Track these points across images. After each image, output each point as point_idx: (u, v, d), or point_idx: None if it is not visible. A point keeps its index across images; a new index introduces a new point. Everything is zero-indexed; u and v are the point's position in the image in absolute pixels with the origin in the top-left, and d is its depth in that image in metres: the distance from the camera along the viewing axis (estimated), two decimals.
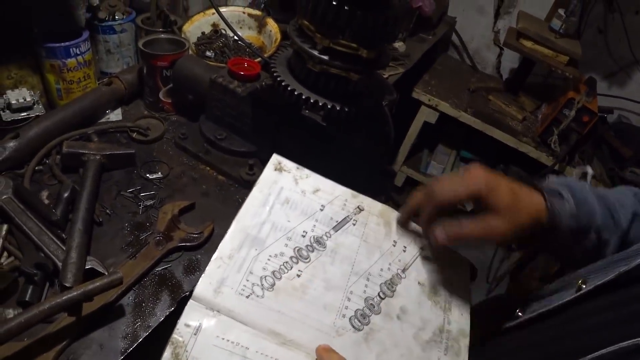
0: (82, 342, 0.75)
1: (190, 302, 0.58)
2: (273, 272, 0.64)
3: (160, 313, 0.82)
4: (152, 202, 1.01)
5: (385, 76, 1.78)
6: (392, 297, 0.68)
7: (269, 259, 0.65)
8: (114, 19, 1.26)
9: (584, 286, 0.65)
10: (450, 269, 0.76)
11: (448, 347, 0.67)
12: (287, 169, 0.75)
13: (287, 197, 0.72)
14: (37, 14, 1.13)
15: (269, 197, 0.71)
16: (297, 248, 0.67)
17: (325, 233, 0.70)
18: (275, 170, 0.74)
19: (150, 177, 1.07)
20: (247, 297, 0.60)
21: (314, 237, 0.69)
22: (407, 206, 0.74)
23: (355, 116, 0.93)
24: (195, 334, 0.56)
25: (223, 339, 0.56)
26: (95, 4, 1.23)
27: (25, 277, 0.79)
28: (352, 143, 1.01)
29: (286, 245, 0.67)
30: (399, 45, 1.98)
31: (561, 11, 2.02)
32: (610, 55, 2.32)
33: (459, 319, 0.71)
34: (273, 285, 0.63)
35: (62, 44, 1.09)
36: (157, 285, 0.87)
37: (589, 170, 0.68)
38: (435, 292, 0.72)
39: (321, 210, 0.72)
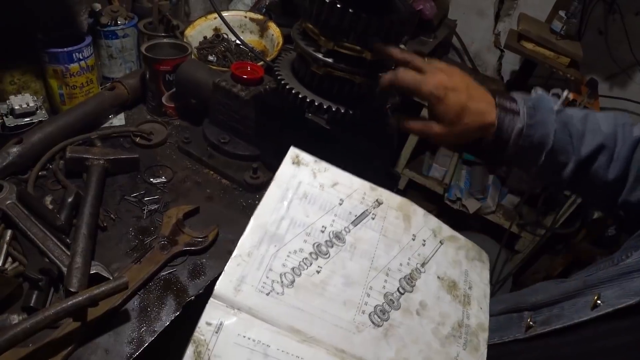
0: (87, 347, 0.75)
1: (211, 300, 0.58)
2: (292, 269, 0.64)
3: (166, 317, 0.82)
4: (156, 206, 1.01)
5: None
6: (411, 292, 0.68)
7: (288, 256, 0.65)
8: (116, 24, 1.26)
9: (599, 302, 0.64)
10: (470, 262, 0.76)
11: (467, 341, 0.67)
12: (305, 162, 0.73)
13: (305, 192, 0.71)
14: (40, 20, 1.13)
15: (287, 192, 0.70)
16: (317, 244, 0.67)
17: (345, 228, 0.70)
18: (293, 163, 0.73)
19: (154, 181, 1.07)
20: (267, 294, 0.60)
21: (333, 232, 0.69)
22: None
23: (359, 119, 0.93)
24: (216, 332, 0.56)
25: (244, 337, 0.57)
26: (97, 10, 1.24)
27: (30, 283, 0.79)
28: (356, 146, 1.01)
29: (305, 241, 0.67)
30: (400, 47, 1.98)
31: (562, 13, 2.02)
32: (611, 57, 2.32)
33: (478, 312, 0.71)
34: (293, 282, 0.63)
35: (65, 49, 1.10)
36: (162, 289, 0.86)
37: (564, 94, 0.70)
38: (455, 286, 0.72)
39: (340, 204, 0.72)
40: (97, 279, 0.80)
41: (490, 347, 0.74)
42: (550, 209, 2.33)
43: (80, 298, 0.70)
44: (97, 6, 1.23)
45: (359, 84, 0.90)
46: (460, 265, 0.75)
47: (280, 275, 0.62)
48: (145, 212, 1.00)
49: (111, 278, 0.82)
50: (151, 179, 1.08)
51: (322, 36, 0.85)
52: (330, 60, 0.86)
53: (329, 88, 0.91)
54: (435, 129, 0.78)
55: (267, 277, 0.62)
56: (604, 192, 0.78)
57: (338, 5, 0.77)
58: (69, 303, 0.69)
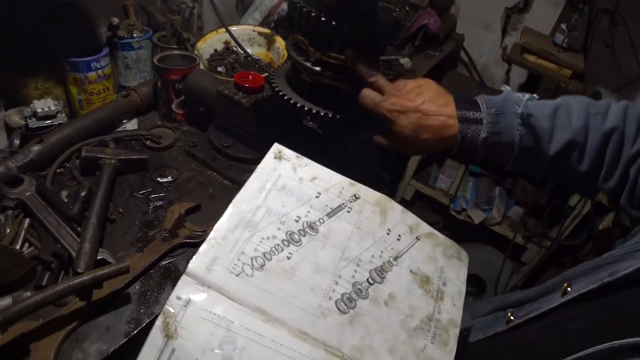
0: (90, 324, 0.83)
1: (183, 277, 0.62)
2: (264, 254, 0.66)
3: (164, 302, 0.88)
4: (161, 203, 1.10)
5: None
6: (381, 283, 0.70)
7: (260, 241, 0.67)
8: (132, 37, 1.37)
9: (569, 289, 0.67)
10: (447, 259, 0.78)
11: (436, 335, 0.68)
12: (286, 157, 0.77)
13: (283, 184, 0.74)
14: (63, 32, 1.23)
15: (266, 184, 0.73)
16: (289, 232, 0.69)
17: (319, 219, 0.72)
18: (275, 158, 0.76)
19: (161, 180, 1.16)
20: (237, 275, 0.63)
21: (307, 222, 0.71)
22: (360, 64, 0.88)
23: (347, 123, 0.99)
24: (185, 306, 0.59)
25: (210, 312, 0.60)
26: (115, 23, 1.34)
27: (43, 265, 0.87)
28: (344, 150, 1.08)
29: (279, 229, 0.69)
30: (404, 61, 2.06)
31: (564, 26, 2.07)
32: (618, 69, 2.34)
33: (451, 309, 0.72)
34: (263, 265, 0.65)
35: (84, 58, 1.20)
36: (162, 277, 0.94)
37: (535, 96, 0.73)
38: (428, 281, 0.73)
39: (317, 197, 0.74)
40: (103, 264, 0.88)
41: (474, 343, 0.79)
42: (556, 221, 2.35)
43: (86, 277, 0.78)
44: (115, 20, 1.34)
45: (345, 91, 0.97)
46: (435, 261, 0.76)
47: (252, 258, 0.65)
48: (151, 207, 1.08)
49: None
50: (158, 179, 1.16)
51: (310, 47, 0.93)
52: (318, 68, 0.94)
53: (318, 94, 0.98)
54: (396, 145, 0.86)
55: (239, 260, 0.65)
56: (579, 181, 0.81)
57: (322, 18, 0.85)
58: (75, 281, 0.77)
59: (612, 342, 0.52)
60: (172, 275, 0.95)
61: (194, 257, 0.63)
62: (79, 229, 0.94)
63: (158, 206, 1.09)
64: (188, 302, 0.60)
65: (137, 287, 0.91)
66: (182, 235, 1.01)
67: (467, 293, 0.76)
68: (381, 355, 0.64)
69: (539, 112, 0.78)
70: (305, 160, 0.78)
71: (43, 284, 0.85)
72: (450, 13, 2.63)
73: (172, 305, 0.59)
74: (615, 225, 2.17)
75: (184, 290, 0.61)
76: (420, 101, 0.81)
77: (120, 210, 1.05)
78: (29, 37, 1.18)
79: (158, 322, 0.58)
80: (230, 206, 0.69)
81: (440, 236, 0.80)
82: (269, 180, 0.74)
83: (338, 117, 0.97)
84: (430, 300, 0.71)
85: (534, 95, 0.82)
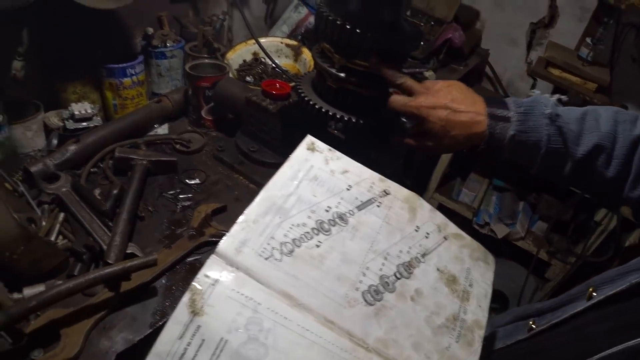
0: (118, 314, 0.87)
1: (212, 256, 0.63)
2: (293, 240, 0.67)
3: None
4: (189, 203, 1.14)
5: None
6: (408, 278, 0.70)
7: (290, 228, 0.67)
8: (165, 46, 1.43)
9: (595, 294, 0.67)
10: (474, 261, 0.77)
11: (461, 335, 0.68)
12: (319, 149, 0.77)
13: (315, 175, 0.74)
14: (101, 40, 1.30)
15: (298, 173, 0.73)
16: (319, 221, 0.70)
17: (349, 211, 0.72)
18: (308, 149, 0.77)
19: (189, 182, 1.20)
20: (266, 259, 0.64)
21: (337, 212, 0.72)
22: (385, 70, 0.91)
23: (370, 128, 1.02)
24: (213, 285, 0.60)
25: (238, 292, 0.60)
26: (150, 33, 1.40)
27: (75, 257, 0.92)
28: (367, 154, 1.10)
29: (309, 217, 0.69)
30: (429, 74, 2.08)
31: (588, 40, 2.06)
32: None
33: (476, 310, 0.71)
34: (292, 251, 0.66)
35: (120, 65, 1.26)
36: (187, 272, 0.98)
37: (564, 97, 0.72)
38: (454, 281, 0.73)
39: (348, 189, 0.74)
40: (132, 258, 0.92)
41: (495, 352, 0.79)
42: (581, 237, 2.31)
43: (116, 268, 0.82)
44: (150, 30, 1.40)
45: (368, 96, 1.00)
46: (462, 262, 0.76)
47: (281, 244, 0.66)
48: (179, 207, 1.12)
49: None
50: (187, 180, 1.21)
51: (335, 54, 0.96)
52: (342, 75, 0.97)
53: (343, 100, 1.02)
54: (426, 144, 0.88)
55: (268, 244, 0.65)
56: (605, 188, 0.80)
57: (347, 27, 0.88)
58: (105, 271, 0.81)
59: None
60: (197, 272, 0.97)
61: (224, 238, 0.64)
62: (110, 224, 0.99)
63: (186, 206, 1.13)
64: (216, 280, 0.61)
65: (163, 281, 0.95)
66: (208, 234, 1.04)
67: (490, 309, 0.74)
68: (405, 349, 0.64)
69: (567, 114, 0.78)
70: (337, 153, 0.79)
71: (75, 273, 0.89)
72: (475, 28, 2.64)
73: (199, 282, 0.60)
74: None
75: (213, 268, 0.62)
76: (449, 98, 0.83)
77: (150, 208, 1.10)
78: (71, 44, 1.25)
79: (185, 299, 0.59)
80: (262, 192, 0.70)
81: (468, 238, 0.80)
82: (301, 169, 0.74)
83: (361, 121, 1.00)
84: (456, 299, 0.71)
85: (564, 96, 0.82)
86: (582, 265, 2.28)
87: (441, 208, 2.57)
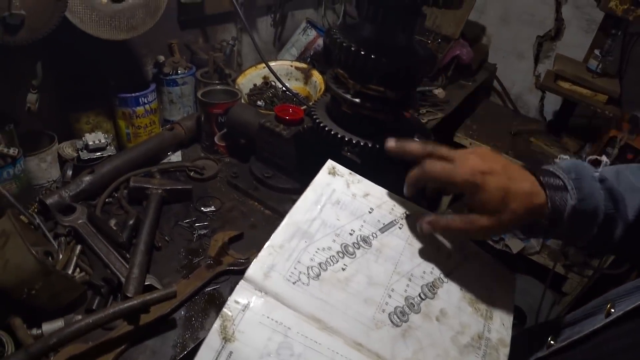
0: (137, 348, 0.86)
1: (242, 282, 0.63)
2: (320, 264, 0.68)
3: (208, 327, 0.91)
4: (205, 231, 1.13)
5: (424, 121, 1.87)
6: (432, 299, 0.70)
7: (316, 252, 0.69)
8: (177, 74, 1.44)
9: (613, 310, 0.66)
10: (495, 281, 0.78)
11: (486, 354, 0.68)
12: (340, 173, 0.79)
13: (338, 199, 0.75)
14: (114, 69, 1.31)
15: (321, 197, 0.75)
16: (344, 244, 0.71)
17: (372, 233, 0.74)
18: (329, 174, 0.78)
19: (205, 210, 1.20)
20: (294, 283, 0.65)
21: (360, 235, 0.73)
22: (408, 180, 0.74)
23: (385, 153, 1.02)
24: (243, 311, 0.61)
25: (268, 317, 0.61)
26: (161, 61, 1.41)
27: (93, 290, 0.91)
28: (384, 178, 1.10)
29: (334, 240, 0.71)
30: (438, 91, 2.08)
31: (597, 51, 2.05)
32: None
33: (500, 328, 0.72)
34: (319, 275, 0.67)
35: (133, 94, 1.27)
36: (206, 303, 0.96)
37: (604, 159, 0.68)
38: (477, 300, 0.73)
39: (370, 212, 0.76)
40: (150, 290, 0.91)
41: None
42: None
43: (135, 302, 0.81)
44: (161, 58, 1.41)
45: (384, 121, 1.00)
46: (484, 280, 0.76)
47: (308, 268, 0.67)
48: (195, 236, 1.12)
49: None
50: (202, 208, 1.20)
51: (350, 79, 0.96)
52: (357, 100, 0.97)
53: (358, 125, 1.02)
54: (480, 223, 0.68)
55: (295, 268, 0.66)
56: None
57: (362, 52, 0.89)
58: (125, 305, 0.80)
59: None
60: (217, 302, 0.97)
61: (252, 263, 0.65)
62: (127, 255, 0.98)
63: (202, 234, 1.12)
64: (246, 306, 0.62)
65: (182, 313, 0.94)
66: (226, 262, 1.04)
67: None
68: None
69: (608, 176, 0.71)
70: (358, 177, 0.80)
71: (93, 307, 0.88)
72: (482, 43, 2.65)
73: (230, 308, 0.61)
74: None
75: (242, 294, 0.63)
76: (501, 163, 0.68)
77: (166, 238, 1.09)
78: (84, 75, 1.26)
79: (216, 325, 0.59)
80: (287, 217, 0.71)
81: (487, 256, 0.81)
82: (323, 194, 0.75)
83: (377, 146, 0.99)
84: (480, 318, 0.72)
85: (607, 159, 0.76)
86: (599, 278, 2.25)
87: None
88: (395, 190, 0.81)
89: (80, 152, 1.21)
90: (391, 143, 0.76)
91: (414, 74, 0.94)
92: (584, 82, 2.04)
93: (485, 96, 2.77)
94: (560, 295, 2.42)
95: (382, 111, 0.98)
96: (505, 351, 0.70)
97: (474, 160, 0.68)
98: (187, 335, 0.90)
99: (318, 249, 0.69)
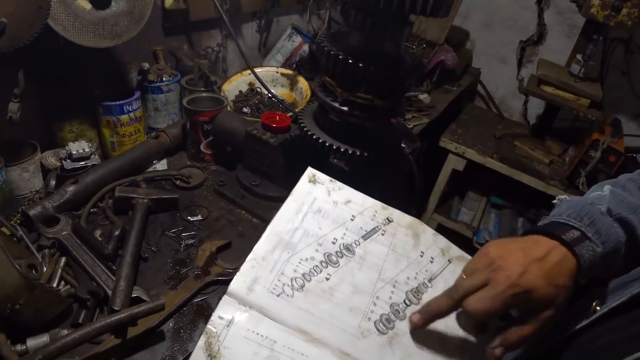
0: None
1: (225, 297, 0.63)
2: (303, 275, 0.68)
3: (197, 339, 0.89)
4: (192, 241, 1.12)
5: (410, 126, 1.88)
6: (417, 304, 0.70)
7: (300, 262, 0.69)
8: (161, 81, 1.42)
9: (597, 308, 0.67)
10: None
11: (473, 357, 0.68)
12: (320, 181, 0.79)
13: (319, 207, 0.75)
14: (98, 77, 1.29)
15: (303, 206, 0.75)
16: (327, 254, 0.71)
17: (355, 241, 0.74)
18: (310, 182, 0.78)
19: (191, 219, 1.18)
20: (278, 295, 0.65)
21: (343, 244, 0.73)
22: (430, 311, 0.67)
23: (374, 160, 1.02)
24: (227, 326, 0.61)
25: (253, 332, 0.61)
26: (145, 68, 1.40)
27: (79, 303, 0.89)
28: (372, 185, 1.10)
29: (317, 250, 0.71)
30: (423, 97, 2.09)
31: (579, 56, 2.09)
32: (636, 96, 2.35)
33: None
34: (303, 286, 0.67)
35: (117, 102, 1.25)
36: (195, 314, 0.95)
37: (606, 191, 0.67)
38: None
39: (352, 220, 0.75)
40: (138, 302, 0.90)
41: None
42: None
43: (122, 315, 0.79)
44: (146, 65, 1.39)
45: (372, 129, 1.00)
46: None
47: (291, 279, 0.67)
48: (182, 245, 1.10)
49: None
50: (189, 217, 1.19)
51: (338, 87, 0.96)
52: (345, 108, 0.97)
53: (346, 133, 1.01)
54: (544, 318, 0.63)
55: (279, 280, 0.66)
56: None
57: (350, 61, 0.88)
58: (112, 319, 0.78)
59: None
60: (205, 313, 0.96)
61: (234, 278, 0.64)
62: (113, 267, 0.96)
63: (189, 244, 1.11)
64: (230, 321, 0.61)
65: (170, 325, 0.92)
66: (214, 272, 1.02)
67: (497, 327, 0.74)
68: None
69: (610, 203, 0.71)
70: (339, 184, 0.80)
71: (80, 321, 0.86)
72: (466, 48, 2.68)
73: (214, 324, 0.61)
74: None
75: (226, 310, 0.62)
76: (521, 249, 0.66)
77: (153, 248, 1.08)
78: (67, 83, 1.24)
79: (200, 342, 0.59)
80: (268, 228, 0.71)
81: (470, 259, 0.80)
82: (305, 203, 0.75)
83: (366, 154, 0.99)
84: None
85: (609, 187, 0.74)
86: None
87: (441, 228, 2.56)
88: (384, 197, 0.81)
89: (63, 161, 1.19)
90: (416, 319, 0.68)
91: (402, 82, 0.94)
92: (566, 86, 2.07)
93: (469, 100, 2.79)
94: None
95: (370, 119, 0.98)
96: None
97: (502, 270, 0.63)
98: (175, 348, 0.88)
99: (301, 259, 0.69)
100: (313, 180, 0.79)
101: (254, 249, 0.68)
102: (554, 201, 0.80)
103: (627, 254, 0.70)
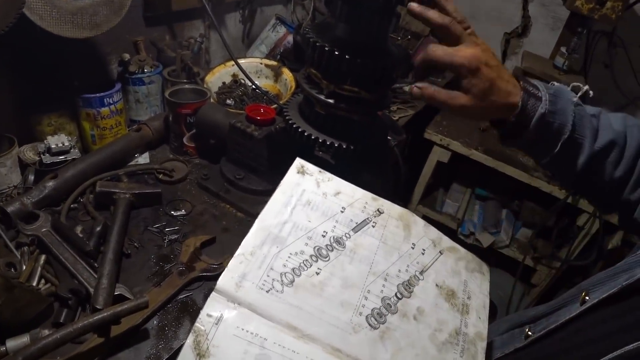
0: None
1: (213, 294, 0.61)
2: (293, 269, 0.66)
3: (182, 336, 0.89)
4: (176, 236, 1.10)
5: (395, 118, 1.87)
6: (409, 297, 0.70)
7: (289, 257, 0.67)
8: (143, 72, 1.39)
9: (587, 298, 0.68)
10: (470, 273, 0.78)
11: (464, 349, 0.68)
12: (309, 172, 0.77)
13: (308, 199, 0.73)
14: (76, 69, 1.26)
15: (291, 199, 0.73)
16: (317, 247, 0.69)
17: (345, 234, 0.72)
18: (298, 173, 0.76)
19: (175, 214, 1.16)
20: (267, 291, 0.63)
21: (333, 237, 0.71)
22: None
23: (360, 154, 1.00)
24: (216, 324, 0.59)
25: (243, 329, 0.59)
26: (126, 59, 1.36)
27: (60, 302, 0.87)
28: (358, 178, 1.09)
29: (306, 244, 0.69)
30: (408, 89, 2.08)
31: (563, 49, 2.10)
32: (619, 89, 2.38)
33: (477, 322, 0.72)
34: (292, 281, 0.65)
35: (97, 94, 1.22)
36: (179, 311, 0.94)
37: (584, 88, 0.71)
38: (453, 295, 0.73)
39: (342, 212, 0.74)
40: (121, 300, 0.88)
41: None
42: (565, 241, 2.33)
43: (105, 314, 0.77)
44: (126, 56, 1.36)
45: (358, 122, 0.99)
46: (459, 275, 0.76)
47: (281, 274, 0.65)
48: (166, 241, 1.08)
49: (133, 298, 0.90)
50: (172, 212, 1.17)
51: (323, 80, 0.94)
52: (331, 101, 0.95)
53: (332, 126, 1.00)
54: (460, 100, 0.76)
55: (268, 276, 0.64)
56: (608, 189, 0.80)
57: (336, 52, 0.87)
58: (95, 318, 0.76)
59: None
60: (190, 310, 0.94)
61: (223, 274, 0.63)
62: (95, 264, 0.94)
63: (173, 240, 1.09)
64: (219, 319, 0.60)
65: (155, 323, 0.91)
66: (199, 268, 1.01)
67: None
68: None
69: (587, 109, 0.79)
70: (328, 175, 0.78)
71: (61, 320, 0.84)
72: None
73: (202, 322, 0.59)
74: (624, 244, 2.16)
75: (214, 307, 0.61)
76: (497, 61, 0.77)
77: (136, 244, 1.05)
78: (44, 75, 1.21)
79: (189, 341, 0.57)
80: (257, 222, 0.69)
81: (462, 250, 0.81)
82: (293, 195, 0.74)
83: (352, 147, 0.98)
84: (457, 314, 0.72)
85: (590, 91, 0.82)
86: (567, 269, 2.31)
87: (426, 220, 2.55)
88: (370, 190, 0.80)
89: (42, 155, 1.15)
90: (414, 5, 0.79)
91: (389, 74, 0.92)
92: (551, 79, 2.07)
93: None
94: (529, 287, 2.47)
95: (356, 112, 0.96)
96: (482, 345, 0.70)
97: (476, 49, 0.74)
98: (160, 346, 0.87)
99: (290, 253, 0.68)
100: (302, 172, 0.77)
101: (242, 244, 0.66)
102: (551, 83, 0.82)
103: (572, 157, 0.77)
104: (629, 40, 2.27)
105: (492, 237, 2.38)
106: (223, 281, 0.62)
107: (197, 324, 0.58)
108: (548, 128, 0.75)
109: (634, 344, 0.54)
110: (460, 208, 2.51)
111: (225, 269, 0.63)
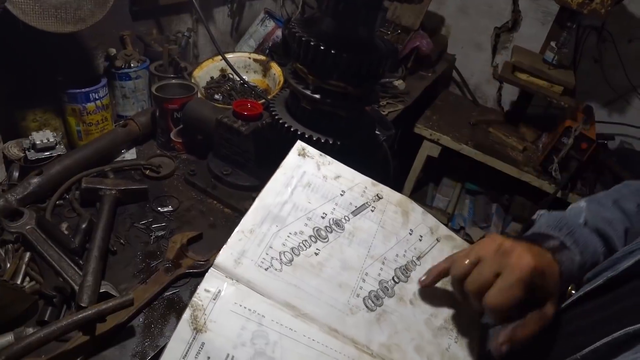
0: (94, 359, 0.82)
1: (211, 270, 0.61)
2: (292, 249, 0.67)
3: (168, 334, 0.88)
4: (162, 233, 1.09)
5: (384, 113, 1.87)
6: (406, 282, 0.71)
7: (288, 236, 0.68)
8: (129, 67, 1.38)
9: (574, 292, 0.69)
10: None
11: (459, 335, 0.69)
12: (310, 154, 0.77)
13: (308, 181, 0.74)
14: (61, 64, 1.24)
15: (292, 180, 0.73)
16: (316, 228, 0.70)
17: (344, 217, 0.73)
18: (299, 155, 0.76)
19: (162, 210, 1.16)
20: (266, 269, 0.63)
21: (333, 219, 0.72)
22: (437, 270, 0.69)
23: (347, 149, 1.00)
24: (214, 299, 0.59)
25: (241, 305, 0.59)
26: (112, 54, 1.35)
27: (45, 300, 0.86)
28: None
29: (306, 224, 0.70)
30: (398, 83, 2.08)
31: (553, 43, 2.10)
32: (608, 83, 2.39)
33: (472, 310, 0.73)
34: (291, 260, 0.66)
35: (83, 90, 1.20)
36: (166, 308, 0.93)
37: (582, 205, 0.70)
38: (449, 282, 0.72)
39: (341, 195, 0.75)
40: (106, 298, 0.87)
41: (486, 353, 0.77)
42: None
43: (90, 312, 0.77)
44: (112, 50, 1.35)
45: (345, 117, 0.98)
46: None
47: (280, 253, 0.66)
48: (152, 238, 1.07)
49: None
50: (159, 208, 1.16)
51: (310, 75, 0.94)
52: (317, 96, 0.95)
53: (319, 121, 1.00)
54: (549, 312, 0.63)
55: (267, 254, 0.65)
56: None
57: (322, 47, 0.86)
58: (79, 316, 0.76)
59: (626, 329, 0.54)
60: (176, 307, 0.94)
61: (222, 250, 0.63)
62: (80, 261, 0.93)
63: (159, 236, 1.08)
64: (217, 294, 0.60)
65: (141, 320, 0.90)
66: (185, 265, 1.00)
67: None
68: (408, 353, 0.65)
69: (589, 214, 0.75)
70: (328, 158, 0.78)
71: (46, 319, 0.83)
72: (441, 34, 2.67)
73: (200, 297, 0.59)
74: None
75: (212, 282, 0.61)
76: (510, 242, 0.64)
77: (122, 241, 1.05)
78: (29, 70, 1.19)
79: (186, 315, 0.57)
80: (257, 200, 0.69)
81: (459, 239, 0.82)
82: (294, 176, 0.74)
83: (338, 143, 0.98)
84: (452, 300, 0.72)
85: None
86: None
87: None
88: None
89: (27, 151, 1.14)
90: (424, 279, 0.71)
91: (375, 69, 0.92)
92: (540, 73, 2.09)
93: (444, 87, 2.80)
94: None
95: (343, 107, 0.96)
96: (477, 333, 0.71)
97: (520, 255, 0.61)
98: (146, 344, 0.86)
99: (290, 233, 0.68)
100: (302, 154, 0.77)
101: (241, 222, 0.67)
102: (533, 217, 0.81)
103: None
104: (618, 35, 2.29)
105: (482, 231, 2.39)
106: (222, 257, 0.63)
107: (194, 299, 0.58)
108: (587, 265, 0.70)
109: (620, 332, 0.55)
110: (451, 202, 2.52)
111: (225, 245, 0.64)
